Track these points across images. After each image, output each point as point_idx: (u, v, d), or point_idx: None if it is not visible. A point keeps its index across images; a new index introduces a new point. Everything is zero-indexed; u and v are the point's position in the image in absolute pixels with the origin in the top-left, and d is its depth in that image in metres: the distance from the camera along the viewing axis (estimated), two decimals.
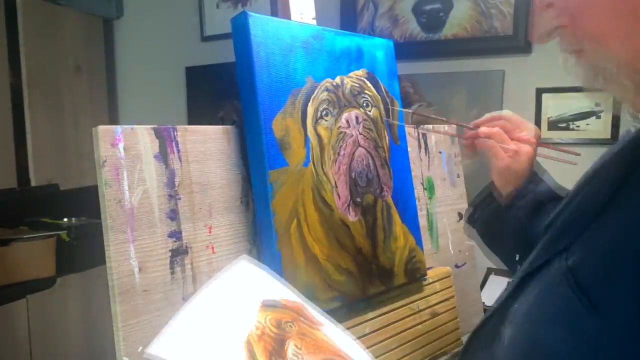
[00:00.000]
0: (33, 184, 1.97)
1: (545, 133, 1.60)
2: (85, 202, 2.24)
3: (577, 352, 0.42)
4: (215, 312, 0.57)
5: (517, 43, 1.61)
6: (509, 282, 0.61)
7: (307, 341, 0.58)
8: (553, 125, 1.58)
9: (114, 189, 0.58)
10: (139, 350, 0.59)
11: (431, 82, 1.74)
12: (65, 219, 2.20)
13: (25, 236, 2.02)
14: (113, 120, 2.32)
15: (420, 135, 1.01)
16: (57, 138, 2.07)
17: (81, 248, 2.15)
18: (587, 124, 1.53)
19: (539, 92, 1.61)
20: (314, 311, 0.64)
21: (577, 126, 1.54)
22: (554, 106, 1.58)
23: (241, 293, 0.60)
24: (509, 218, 0.79)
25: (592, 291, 0.43)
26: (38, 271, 2.02)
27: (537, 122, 1.62)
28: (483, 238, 0.87)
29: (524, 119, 0.80)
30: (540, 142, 0.78)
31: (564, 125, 1.56)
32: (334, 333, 0.63)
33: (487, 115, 0.81)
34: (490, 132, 0.78)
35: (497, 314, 0.58)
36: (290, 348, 0.56)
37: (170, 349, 0.52)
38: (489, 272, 1.68)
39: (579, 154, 0.79)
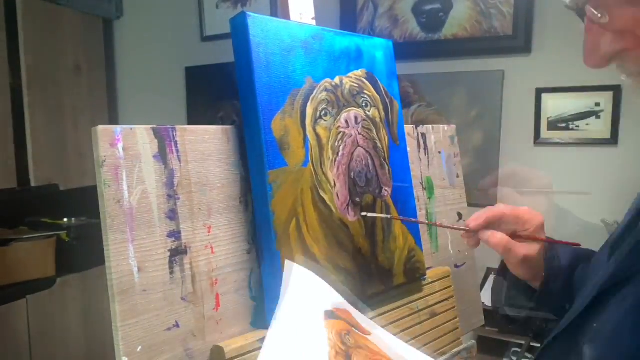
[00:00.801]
0: (33, 184, 1.97)
1: (545, 133, 1.60)
2: (85, 202, 2.25)
3: None
4: (295, 332, 0.57)
5: (517, 43, 1.61)
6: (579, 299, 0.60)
7: (363, 354, 0.58)
8: (553, 125, 1.58)
9: (113, 189, 0.58)
10: (138, 350, 0.59)
11: (431, 82, 1.74)
12: (65, 219, 2.20)
13: (25, 236, 2.02)
14: (113, 120, 2.32)
15: (420, 135, 1.01)
16: (56, 138, 2.07)
17: (81, 248, 2.16)
18: (587, 124, 1.53)
19: (539, 92, 1.61)
20: (358, 315, 0.65)
21: (577, 126, 1.54)
22: (554, 106, 1.58)
23: (307, 306, 0.61)
24: (549, 296, 0.78)
25: None
26: (38, 271, 2.03)
27: (537, 122, 1.62)
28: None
29: (521, 207, 0.75)
30: (548, 238, 0.75)
31: (563, 125, 1.56)
32: (383, 339, 0.64)
33: (482, 215, 0.75)
34: (496, 244, 0.74)
35: (570, 331, 0.57)
36: None
37: None
38: (489, 272, 1.68)
39: (579, 245, 0.77)
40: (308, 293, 0.62)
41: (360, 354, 0.58)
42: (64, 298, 2.12)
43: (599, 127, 1.52)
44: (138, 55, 2.33)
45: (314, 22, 0.86)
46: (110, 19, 2.29)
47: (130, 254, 0.59)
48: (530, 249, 0.73)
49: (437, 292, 0.93)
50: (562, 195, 0.81)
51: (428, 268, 0.94)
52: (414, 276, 0.89)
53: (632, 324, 0.49)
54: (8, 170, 1.93)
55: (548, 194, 0.75)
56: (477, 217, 0.76)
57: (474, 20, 1.66)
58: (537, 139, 1.62)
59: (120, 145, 0.60)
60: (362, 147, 0.82)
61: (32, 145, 1.97)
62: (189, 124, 0.64)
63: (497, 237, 0.73)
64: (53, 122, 2.05)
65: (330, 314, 0.61)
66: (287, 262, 0.65)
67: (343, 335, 0.59)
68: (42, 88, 1.99)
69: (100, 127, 0.59)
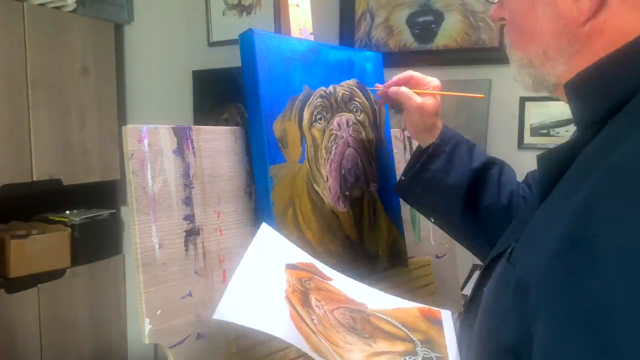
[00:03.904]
0: (35, 179, 2.04)
1: (528, 139, 1.71)
2: (89, 197, 2.36)
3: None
4: (257, 278, 0.67)
5: (503, 54, 1.71)
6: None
7: (322, 294, 0.70)
8: (535, 131, 1.70)
9: (140, 178, 0.70)
10: (158, 313, 0.70)
11: None
12: (68, 212, 2.31)
13: (38, 231, 2.13)
14: (122, 120, 2.42)
15: (406, 138, 1.13)
16: (61, 136, 2.15)
17: (90, 241, 2.27)
18: (567, 131, 1.64)
19: (523, 100, 1.72)
20: (324, 267, 0.76)
21: (557, 132, 1.66)
22: (536, 114, 1.69)
23: (269, 258, 0.71)
24: (433, 172, 0.86)
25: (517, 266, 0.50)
26: (54, 263, 2.13)
27: (521, 128, 1.73)
28: (417, 202, 0.93)
29: (426, 76, 0.91)
30: (443, 91, 0.91)
31: (545, 131, 1.67)
32: (342, 284, 0.75)
33: (395, 78, 0.90)
34: (397, 90, 0.88)
35: (472, 301, 0.64)
36: (313, 301, 0.68)
37: (232, 311, 0.62)
38: (475, 268, 1.79)
39: (482, 96, 0.94)
40: (271, 248, 0.73)
41: (319, 293, 0.69)
42: (74, 288, 2.22)
43: None
44: (147, 58, 2.43)
45: (312, 37, 0.97)
46: (121, 23, 2.40)
47: (153, 233, 0.70)
48: (426, 100, 0.86)
49: (418, 278, 1.05)
50: (456, 97, 0.96)
51: (411, 257, 1.05)
52: (397, 263, 1.00)
53: (486, 297, 0.55)
54: (23, 165, 2.03)
55: (440, 95, 0.89)
56: (390, 81, 0.92)
57: (464, 32, 1.78)
58: (521, 144, 1.74)
59: (145, 142, 0.71)
60: (352, 148, 0.93)
61: (34, 143, 2.05)
62: (194, 124, 0.75)
63: (402, 89, 0.88)
64: (57, 120, 2.14)
65: (292, 266, 0.71)
66: (262, 224, 0.76)
67: (303, 280, 0.70)
68: (47, 88, 2.08)
69: (129, 126, 0.70)
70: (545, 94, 0.62)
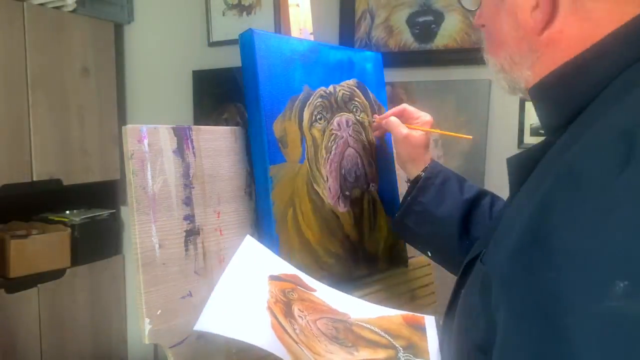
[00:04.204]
0: (35, 179, 2.05)
1: (528, 138, 1.71)
2: (88, 197, 2.36)
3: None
4: (239, 289, 0.69)
5: None
6: None
7: (305, 304, 0.71)
8: (535, 131, 1.70)
9: (140, 178, 0.70)
10: (158, 313, 0.70)
11: (423, 89, 1.85)
12: (68, 212, 2.31)
13: (38, 231, 2.13)
14: (122, 119, 2.42)
15: None
16: (61, 136, 2.14)
17: (90, 241, 2.27)
18: None
19: (522, 100, 1.72)
20: (307, 279, 0.76)
21: None
22: (536, 114, 1.70)
23: (252, 270, 0.72)
24: (423, 205, 0.86)
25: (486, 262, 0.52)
26: (54, 263, 2.13)
27: (521, 128, 1.73)
28: (413, 240, 0.94)
29: (420, 111, 0.94)
30: (432, 129, 0.92)
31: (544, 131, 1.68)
32: (326, 294, 0.76)
33: (389, 111, 0.94)
34: (387, 121, 0.92)
35: (450, 304, 0.65)
36: (296, 310, 0.69)
37: (214, 322, 0.63)
38: None
39: (469, 137, 0.95)
40: (254, 260, 0.74)
41: (301, 304, 0.70)
42: (74, 288, 2.22)
43: None
44: (147, 58, 2.43)
45: (312, 37, 0.97)
46: (121, 23, 2.40)
47: (153, 233, 0.70)
48: (414, 132, 0.89)
49: (418, 278, 1.05)
50: (445, 133, 0.97)
51: (411, 257, 1.05)
52: (397, 263, 1.00)
53: (461, 298, 0.58)
54: (23, 165, 2.03)
55: (431, 133, 0.91)
56: (385, 113, 0.96)
57: (464, 33, 1.78)
58: (521, 144, 1.74)
59: (145, 142, 0.71)
60: (352, 148, 0.93)
61: (34, 142, 2.05)
62: (195, 124, 0.75)
63: (391, 119, 0.91)
64: (57, 120, 2.13)
65: (276, 277, 0.72)
66: (247, 236, 0.77)
67: (286, 291, 0.71)
68: (46, 88, 2.08)
69: (129, 126, 0.70)
70: (521, 96, 0.65)
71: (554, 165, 0.47)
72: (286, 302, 0.69)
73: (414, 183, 0.89)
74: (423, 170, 0.88)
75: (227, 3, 2.19)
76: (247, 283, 0.70)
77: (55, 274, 2.15)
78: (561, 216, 0.41)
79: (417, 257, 1.08)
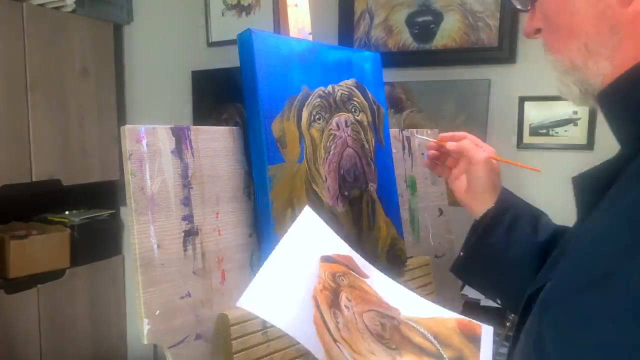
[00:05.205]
0: (34, 179, 2.05)
1: (527, 138, 1.71)
2: (88, 198, 2.36)
3: None
4: (287, 269, 0.64)
5: (502, 54, 1.73)
6: None
7: (355, 293, 0.67)
8: (534, 131, 1.70)
9: (138, 178, 0.70)
10: (157, 313, 0.70)
11: (422, 89, 1.85)
12: (67, 212, 2.31)
13: (38, 231, 2.13)
14: (121, 120, 2.42)
15: (405, 138, 1.13)
16: (61, 137, 2.14)
17: (89, 242, 2.27)
18: (565, 131, 1.64)
19: (522, 100, 1.72)
20: (361, 262, 0.73)
21: (556, 132, 1.66)
22: (536, 113, 1.70)
23: (305, 249, 0.68)
24: (493, 244, 0.77)
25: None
26: (53, 263, 2.13)
27: (520, 128, 1.73)
28: (476, 283, 0.85)
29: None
30: (501, 158, 0.84)
31: (544, 131, 1.68)
32: (379, 283, 0.72)
33: (449, 133, 0.85)
34: (463, 144, 0.81)
35: (513, 345, 0.58)
36: (343, 300, 0.65)
37: (257, 302, 0.60)
38: None
39: (539, 170, 0.86)
40: (309, 236, 0.69)
41: (351, 292, 0.66)
42: (74, 288, 2.22)
43: (576, 134, 1.64)
44: (147, 58, 2.44)
45: (311, 37, 0.98)
46: (121, 24, 2.40)
47: (152, 233, 0.70)
48: (489, 160, 0.79)
49: (418, 277, 1.05)
50: (515, 164, 0.90)
51: (410, 257, 1.05)
52: (396, 262, 1.00)
53: (522, 339, 0.50)
54: (23, 166, 2.03)
55: (497, 161, 0.82)
56: (446, 134, 0.86)
57: (463, 32, 1.78)
58: (520, 144, 1.74)
59: (144, 142, 0.71)
60: (351, 148, 0.93)
61: (33, 143, 2.05)
62: (194, 124, 0.75)
63: (465, 142, 0.81)
64: (57, 120, 2.13)
65: (328, 258, 0.68)
66: (305, 208, 0.72)
67: (337, 275, 0.66)
68: (46, 88, 2.08)
69: (128, 126, 0.70)
70: (592, 106, 0.55)
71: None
72: (335, 288, 0.65)
73: (482, 220, 0.78)
74: (494, 203, 0.78)
75: (226, 3, 2.19)
76: (297, 263, 0.65)
77: (55, 275, 2.15)
78: (625, 255, 0.35)
79: (416, 257, 1.08)
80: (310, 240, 0.69)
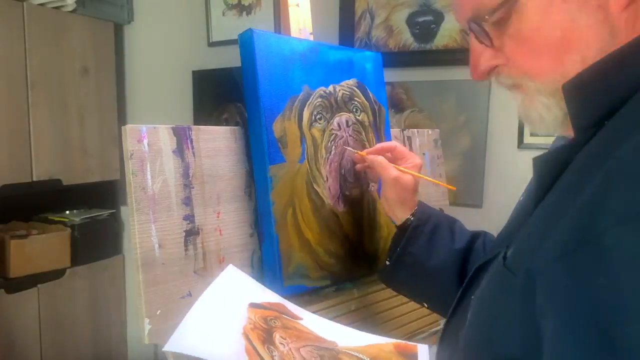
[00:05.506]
0: (34, 179, 2.05)
1: (528, 138, 1.71)
2: (88, 197, 2.36)
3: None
4: (214, 313, 0.67)
5: None
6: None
7: (289, 332, 0.69)
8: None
9: (139, 178, 0.70)
10: (158, 313, 0.70)
11: (423, 89, 1.85)
12: (68, 212, 2.31)
13: (38, 231, 2.13)
14: (122, 119, 2.42)
15: (406, 138, 1.13)
16: (61, 136, 2.14)
17: (90, 241, 2.27)
18: None
19: None
20: (294, 307, 0.75)
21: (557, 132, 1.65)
22: None
23: (230, 296, 0.70)
24: (412, 250, 0.81)
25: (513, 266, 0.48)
26: (54, 263, 2.13)
27: (521, 128, 1.73)
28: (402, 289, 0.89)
29: (410, 151, 0.89)
30: (420, 174, 0.86)
31: None
32: (313, 323, 0.74)
33: (378, 145, 0.90)
34: (375, 159, 0.85)
35: (454, 314, 0.62)
36: (277, 339, 0.67)
37: (185, 343, 0.62)
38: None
39: (454, 189, 0.92)
40: (234, 287, 0.71)
41: (284, 332, 0.68)
42: (74, 288, 2.22)
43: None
44: (147, 58, 2.43)
45: (312, 37, 0.97)
46: (121, 23, 2.40)
47: (153, 233, 0.70)
48: (403, 175, 0.83)
49: None
50: (431, 180, 0.94)
51: None
52: None
53: (479, 306, 0.53)
54: (23, 165, 2.03)
55: (416, 177, 0.85)
56: (373, 147, 0.91)
57: (464, 32, 1.78)
58: (521, 144, 1.74)
59: (145, 142, 0.71)
60: (352, 148, 0.93)
61: (34, 142, 2.05)
62: (194, 124, 0.75)
63: (379, 159, 0.85)
64: (57, 120, 2.13)
65: (257, 305, 0.70)
66: (229, 266, 0.75)
67: (268, 319, 0.69)
68: (46, 88, 2.08)
69: (129, 126, 0.70)
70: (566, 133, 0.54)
71: (600, 163, 0.43)
72: (267, 329, 0.67)
73: (402, 230, 0.83)
74: (411, 215, 0.83)
75: (227, 3, 2.19)
76: (223, 308, 0.68)
77: (55, 274, 2.15)
78: (615, 217, 0.38)
79: None
80: (235, 290, 0.72)
